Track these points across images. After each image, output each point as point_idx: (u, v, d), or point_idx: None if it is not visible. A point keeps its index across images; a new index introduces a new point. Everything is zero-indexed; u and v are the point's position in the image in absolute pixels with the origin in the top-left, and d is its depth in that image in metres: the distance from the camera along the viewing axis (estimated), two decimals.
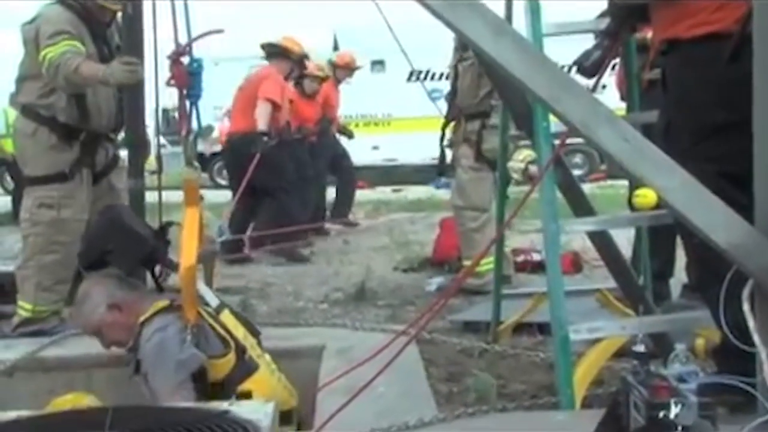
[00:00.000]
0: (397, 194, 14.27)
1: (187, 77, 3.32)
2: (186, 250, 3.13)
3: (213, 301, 3.25)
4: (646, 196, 3.47)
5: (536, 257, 5.96)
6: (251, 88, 7.54)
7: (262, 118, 7.20)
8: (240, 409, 2.13)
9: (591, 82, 3.18)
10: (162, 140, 6.61)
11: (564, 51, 3.46)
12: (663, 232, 3.96)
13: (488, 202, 5.35)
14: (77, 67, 3.92)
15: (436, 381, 3.38)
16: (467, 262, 5.33)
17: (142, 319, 3.12)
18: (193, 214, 3.19)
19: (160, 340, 3.01)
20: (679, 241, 3.65)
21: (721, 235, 2.11)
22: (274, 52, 7.84)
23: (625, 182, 5.75)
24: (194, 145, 3.36)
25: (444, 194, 11.10)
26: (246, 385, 3.08)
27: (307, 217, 8.01)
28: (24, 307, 4.22)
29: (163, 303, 3.16)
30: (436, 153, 6.21)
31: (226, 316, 3.22)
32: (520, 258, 6.06)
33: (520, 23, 2.99)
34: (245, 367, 3.13)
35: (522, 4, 3.03)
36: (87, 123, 4.22)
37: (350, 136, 9.87)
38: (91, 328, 3.30)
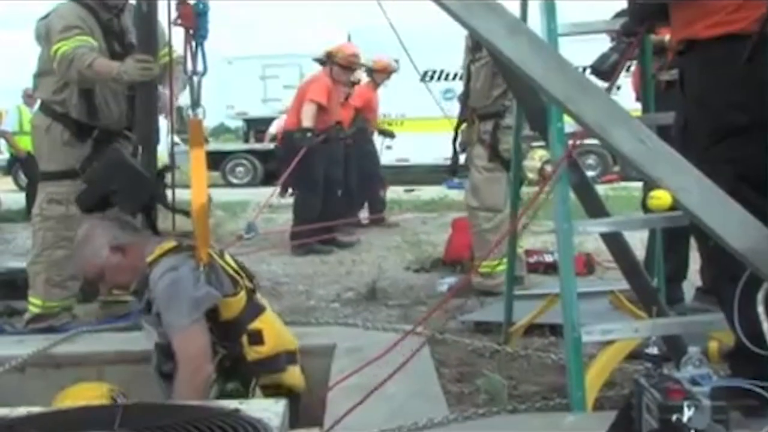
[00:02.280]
0: (409, 194, 14.25)
1: (194, 17, 3.30)
2: (196, 189, 3.13)
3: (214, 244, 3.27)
4: (660, 197, 3.43)
5: (549, 258, 5.97)
6: (302, 90, 8.23)
7: (306, 117, 7.79)
8: (250, 407, 2.13)
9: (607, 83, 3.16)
10: (176, 138, 6.65)
11: (579, 51, 3.44)
12: (677, 235, 3.94)
13: (502, 203, 5.33)
14: (91, 63, 3.94)
15: (447, 381, 3.37)
16: None
17: (149, 260, 3.09)
18: (199, 154, 3.20)
19: (174, 279, 2.98)
20: (693, 243, 3.62)
21: (736, 238, 2.10)
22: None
23: (638, 184, 5.73)
24: (199, 86, 3.36)
25: (456, 195, 11.08)
26: (256, 325, 3.13)
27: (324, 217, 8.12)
28: (34, 303, 4.24)
29: (169, 244, 3.14)
30: (449, 153, 6.19)
31: (230, 259, 3.26)
32: (533, 259, 6.06)
33: (536, 23, 2.98)
34: (255, 307, 3.18)
35: (537, 3, 3.02)
36: (97, 119, 4.24)
37: (391, 136, 10.36)
38: (93, 271, 3.23)
